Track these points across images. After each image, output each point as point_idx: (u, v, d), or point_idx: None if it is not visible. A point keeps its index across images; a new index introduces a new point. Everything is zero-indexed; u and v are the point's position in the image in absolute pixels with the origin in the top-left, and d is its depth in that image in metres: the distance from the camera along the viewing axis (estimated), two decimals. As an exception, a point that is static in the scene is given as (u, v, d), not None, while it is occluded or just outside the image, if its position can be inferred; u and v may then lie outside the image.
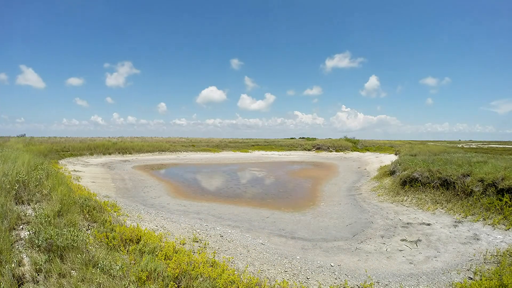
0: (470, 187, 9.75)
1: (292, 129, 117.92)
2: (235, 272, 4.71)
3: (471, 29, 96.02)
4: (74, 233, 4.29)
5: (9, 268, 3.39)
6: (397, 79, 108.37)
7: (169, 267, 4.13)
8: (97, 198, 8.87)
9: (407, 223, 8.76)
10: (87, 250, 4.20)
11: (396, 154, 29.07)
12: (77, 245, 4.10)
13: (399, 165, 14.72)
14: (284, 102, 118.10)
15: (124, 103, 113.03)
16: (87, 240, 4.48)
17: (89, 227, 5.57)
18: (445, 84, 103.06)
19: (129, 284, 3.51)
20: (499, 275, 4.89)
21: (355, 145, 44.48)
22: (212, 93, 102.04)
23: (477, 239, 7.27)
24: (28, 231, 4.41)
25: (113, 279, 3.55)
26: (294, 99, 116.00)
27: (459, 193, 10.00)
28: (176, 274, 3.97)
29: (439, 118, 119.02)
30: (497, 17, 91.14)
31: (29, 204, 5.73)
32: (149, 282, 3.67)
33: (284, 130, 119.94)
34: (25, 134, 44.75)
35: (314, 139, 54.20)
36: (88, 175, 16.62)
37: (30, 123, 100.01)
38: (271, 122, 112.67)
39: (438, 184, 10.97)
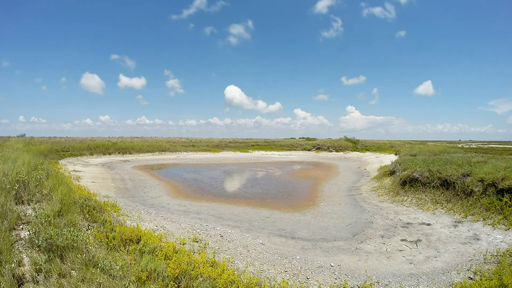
0: (470, 187, 9.75)
1: (296, 129, 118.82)
2: (235, 272, 4.71)
3: (468, 29, 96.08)
4: (74, 233, 4.29)
5: (9, 268, 3.39)
6: (399, 81, 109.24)
7: (169, 267, 4.13)
8: (97, 198, 8.87)
9: (407, 223, 8.77)
10: (87, 250, 4.20)
11: (396, 154, 29.05)
12: (77, 245, 4.10)
13: (399, 165, 14.72)
14: (293, 104, 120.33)
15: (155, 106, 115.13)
16: (87, 240, 4.48)
17: (89, 227, 5.57)
18: (444, 84, 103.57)
19: (129, 284, 3.51)
20: (499, 275, 4.89)
21: (355, 145, 44.47)
22: (235, 95, 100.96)
23: (477, 239, 7.27)
24: (28, 231, 4.40)
25: (113, 279, 3.55)
26: (302, 101, 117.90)
27: (459, 193, 10.00)
28: (176, 274, 3.97)
29: (440, 118, 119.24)
30: (495, 17, 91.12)
31: (29, 204, 5.73)
32: (149, 282, 3.67)
33: (289, 130, 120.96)
34: (25, 134, 44.72)
35: (314, 139, 54.17)
36: (88, 175, 16.62)
37: (34, 123, 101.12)
38: (277, 122, 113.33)
39: (438, 184, 10.97)
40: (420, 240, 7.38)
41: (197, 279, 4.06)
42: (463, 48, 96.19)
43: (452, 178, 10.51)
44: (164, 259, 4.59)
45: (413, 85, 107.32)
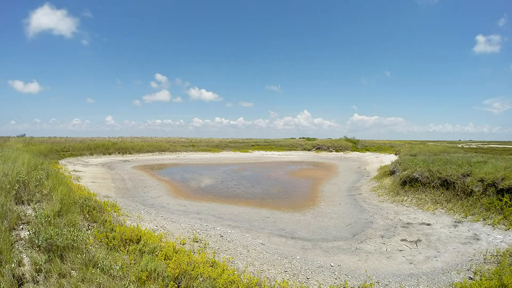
0: (470, 187, 9.75)
1: (298, 129, 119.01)
2: (235, 272, 4.71)
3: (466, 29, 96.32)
4: (74, 233, 4.29)
5: (9, 268, 3.39)
6: (400, 83, 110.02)
7: (169, 267, 4.13)
8: (97, 198, 8.87)
9: (407, 223, 8.76)
10: (87, 250, 4.20)
11: (396, 154, 29.07)
12: (77, 245, 4.10)
13: (399, 165, 14.71)
14: (295, 104, 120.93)
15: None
16: (87, 240, 4.48)
17: (89, 227, 5.57)
18: (443, 84, 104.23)
19: (129, 284, 3.51)
20: (499, 275, 4.89)
21: (355, 145, 44.48)
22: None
23: (477, 239, 7.27)
24: (28, 231, 4.40)
25: (113, 279, 3.55)
26: (304, 101, 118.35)
27: (459, 193, 10.00)
28: (176, 274, 3.97)
29: (441, 119, 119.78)
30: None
31: (29, 204, 5.73)
32: (149, 282, 3.67)
33: (291, 130, 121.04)
34: (25, 134, 44.57)
35: (314, 139, 54.15)
36: (88, 175, 16.62)
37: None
38: (280, 122, 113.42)
39: (438, 184, 10.97)
40: (420, 240, 7.38)
41: (197, 279, 4.06)
42: (460, 47, 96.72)
43: (452, 178, 10.51)
44: (164, 259, 4.59)
45: (413, 85, 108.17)
